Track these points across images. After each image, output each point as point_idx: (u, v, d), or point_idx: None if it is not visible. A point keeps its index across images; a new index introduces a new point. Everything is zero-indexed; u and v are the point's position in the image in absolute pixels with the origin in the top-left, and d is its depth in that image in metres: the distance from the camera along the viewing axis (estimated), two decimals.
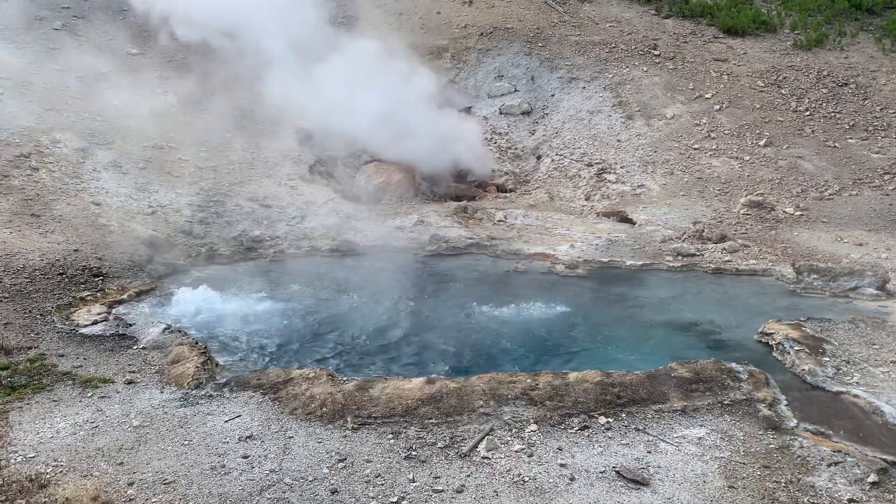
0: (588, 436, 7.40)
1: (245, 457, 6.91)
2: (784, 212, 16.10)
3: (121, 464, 6.76)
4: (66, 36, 20.46)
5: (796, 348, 9.52)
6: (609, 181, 18.09)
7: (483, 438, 7.28)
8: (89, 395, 8.08)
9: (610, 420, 7.67)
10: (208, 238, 14.02)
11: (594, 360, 9.42)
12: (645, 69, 21.41)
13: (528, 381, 8.20)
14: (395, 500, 6.34)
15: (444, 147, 19.41)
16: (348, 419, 7.58)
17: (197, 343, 9.33)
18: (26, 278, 10.89)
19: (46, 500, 6.16)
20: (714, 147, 18.56)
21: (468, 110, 21.72)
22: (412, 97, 19.98)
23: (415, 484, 6.58)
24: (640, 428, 7.56)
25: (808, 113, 19.64)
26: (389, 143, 18.80)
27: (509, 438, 7.33)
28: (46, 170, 14.35)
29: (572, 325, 11.23)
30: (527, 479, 6.69)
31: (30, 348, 9.09)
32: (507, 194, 18.90)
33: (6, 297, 10.32)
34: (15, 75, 17.51)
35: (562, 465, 6.90)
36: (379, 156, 18.98)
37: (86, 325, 9.90)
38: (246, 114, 19.17)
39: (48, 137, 15.30)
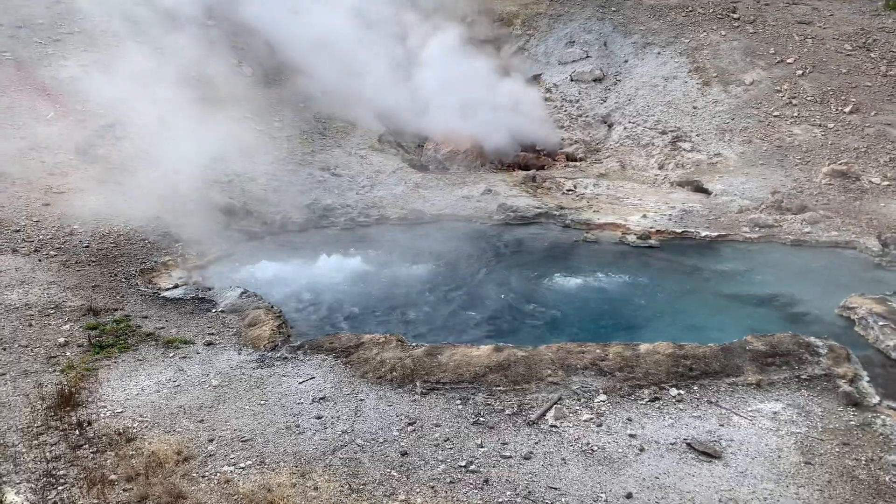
0: (658, 407, 7.29)
1: (318, 417, 7.09)
2: (870, 181, 15.32)
3: (201, 421, 7.04)
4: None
5: (881, 323, 9.11)
6: (684, 150, 17.58)
7: (551, 407, 7.26)
8: (171, 355, 8.42)
9: (681, 392, 7.54)
10: (282, 206, 14.30)
11: (666, 332, 9.25)
12: (723, 33, 20.57)
13: (598, 351, 8.11)
14: (463, 464, 6.41)
15: (512, 115, 19.19)
16: (417, 384, 7.68)
17: (272, 307, 9.59)
18: (112, 243, 11.37)
19: (133, 453, 6.48)
20: (796, 114, 17.76)
21: (537, 78, 21.37)
22: (481, 64, 19.82)
23: (483, 449, 6.63)
24: (713, 401, 7.41)
25: None
26: (458, 112, 18.72)
27: (578, 408, 7.29)
28: (129, 139, 14.87)
29: (643, 297, 11.05)
30: (595, 448, 6.66)
31: (116, 310, 9.52)
32: (577, 163, 18.59)
33: (94, 261, 10.82)
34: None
35: (631, 436, 6.83)
36: (447, 125, 18.92)
37: (167, 289, 10.30)
38: (317, 86, 19.36)
39: (131, 108, 15.81)
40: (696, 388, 7.62)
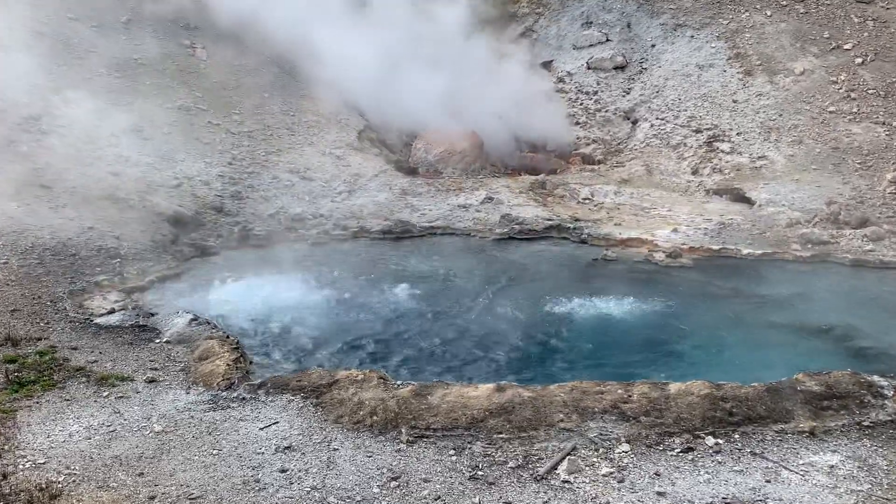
0: (692, 460, 7.27)
1: (283, 471, 7.04)
2: None
3: (141, 474, 6.97)
4: None
5: None
6: (722, 151, 17.68)
7: (563, 459, 7.23)
8: (105, 394, 8.36)
9: (720, 441, 7.51)
10: (241, 216, 14.32)
11: (701, 369, 9.24)
12: (769, 13, 20.76)
13: (620, 391, 8.09)
14: None
15: (517, 109, 19.31)
16: (403, 430, 7.64)
17: (228, 337, 9.55)
18: (35, 259, 11.33)
19: None
20: (855, 110, 17.88)
21: (548, 65, 21.52)
22: (480, 49, 19.98)
23: None
24: (758, 452, 7.39)
25: None
26: (453, 105, 18.82)
27: (596, 460, 7.25)
28: (57, 134, 14.88)
29: (674, 326, 11.05)
30: None
31: (39, 339, 9.46)
32: (595, 166, 18.68)
33: (13, 281, 10.77)
34: (23, 24, 18.16)
35: (659, 494, 6.80)
36: (440, 120, 19.01)
37: (101, 315, 10.25)
38: (286, 70, 19.46)
39: (60, 97, 15.83)
40: (737, 436, 7.60)
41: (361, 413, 7.90)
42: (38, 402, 8.13)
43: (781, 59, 19.54)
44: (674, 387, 8.19)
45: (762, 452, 7.39)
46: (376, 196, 15.75)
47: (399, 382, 8.52)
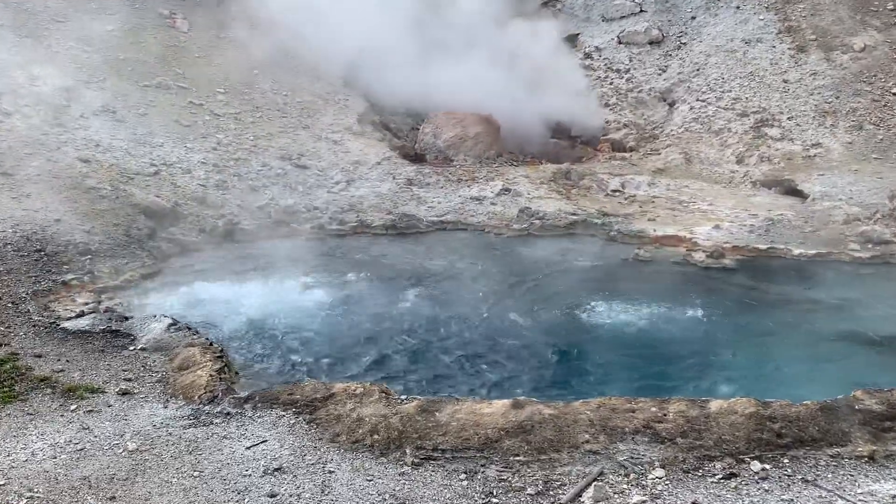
0: (736, 487, 7.24)
1: (272, 496, 7.05)
2: None
3: (112, 498, 6.99)
4: None
5: None
6: (771, 138, 17.62)
7: (589, 485, 7.22)
8: (73, 408, 8.38)
9: (767, 467, 7.49)
10: (227, 208, 14.32)
11: (745, 384, 9.20)
12: None
13: (654, 409, 8.07)
14: None
15: (539, 89, 19.29)
16: (407, 451, 7.63)
17: (211, 344, 9.57)
18: None
19: None
20: None
21: (574, 39, 21.48)
22: (496, 23, 19.95)
23: None
24: (810, 479, 7.36)
25: None
26: (466, 84, 18.82)
27: (626, 486, 7.24)
28: (21, 115, 14.93)
29: (715, 336, 11.01)
30: None
31: None
32: (626, 154, 18.64)
33: None
34: None
35: None
36: (451, 100, 19.01)
37: (69, 318, 10.25)
38: (277, 46, 19.46)
39: (25, 73, 15.90)
40: (786, 461, 7.57)
41: (361, 431, 7.90)
42: None
43: (839, 33, 19.44)
44: (715, 404, 8.16)
45: (815, 480, 7.36)
46: (378, 186, 15.74)
47: (403, 397, 8.51)
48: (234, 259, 12.80)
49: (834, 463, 7.59)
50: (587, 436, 7.76)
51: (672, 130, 18.87)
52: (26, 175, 13.34)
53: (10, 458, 7.51)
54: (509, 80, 19.15)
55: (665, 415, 8.01)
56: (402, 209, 14.93)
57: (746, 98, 18.63)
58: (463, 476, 7.34)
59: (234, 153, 15.98)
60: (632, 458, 7.57)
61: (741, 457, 7.59)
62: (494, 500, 7.04)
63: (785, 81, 18.77)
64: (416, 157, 18.14)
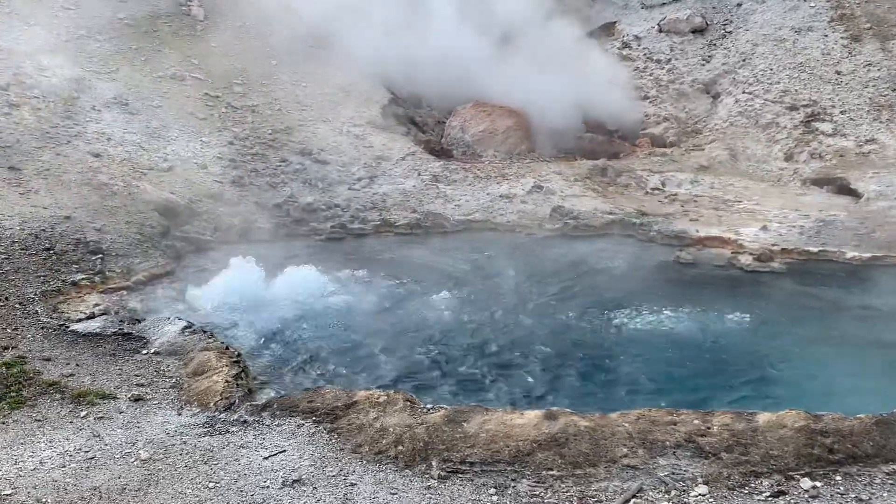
0: None
1: None
2: None
3: None
4: None
5: None
6: (822, 133, 17.49)
7: (627, 502, 7.19)
8: (83, 414, 8.44)
9: (818, 484, 7.42)
10: (243, 205, 14.39)
11: (795, 397, 9.14)
12: None
13: (697, 421, 8.02)
14: None
15: (573, 81, 19.24)
16: (433, 463, 7.63)
17: (228, 348, 9.60)
18: (2, 254, 11.47)
19: None
20: None
21: (611, 27, 21.42)
22: (527, 9, 19.92)
23: None
24: (864, 498, 7.29)
25: None
26: (496, 75, 18.81)
27: (666, 503, 7.21)
28: (29, 107, 15.07)
29: (762, 344, 10.94)
30: None
31: (6, 348, 9.56)
32: (667, 150, 18.56)
33: None
34: None
35: None
36: (480, 92, 19.01)
37: (79, 320, 10.34)
38: (297, 35, 19.53)
39: (33, 63, 16.04)
40: (838, 478, 7.50)
41: (384, 442, 7.91)
42: (3, 423, 8.22)
43: None
44: (762, 417, 8.11)
45: (869, 499, 7.29)
46: (402, 183, 15.76)
47: (429, 406, 8.51)
48: (250, 258, 12.82)
49: (890, 481, 7.51)
50: (625, 449, 7.73)
51: (716, 125, 18.76)
52: (35, 170, 13.46)
53: (18, 466, 7.57)
54: (542, 70, 19.09)
55: (709, 428, 7.96)
56: (427, 207, 14.93)
57: (796, 90, 18.49)
58: (493, 491, 7.32)
59: (251, 148, 16.05)
60: (673, 473, 7.53)
61: (790, 473, 7.54)
62: None
63: (838, 73, 18.62)
64: (443, 153, 18.15)
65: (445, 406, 8.54)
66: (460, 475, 7.53)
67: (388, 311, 11.60)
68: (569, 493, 7.30)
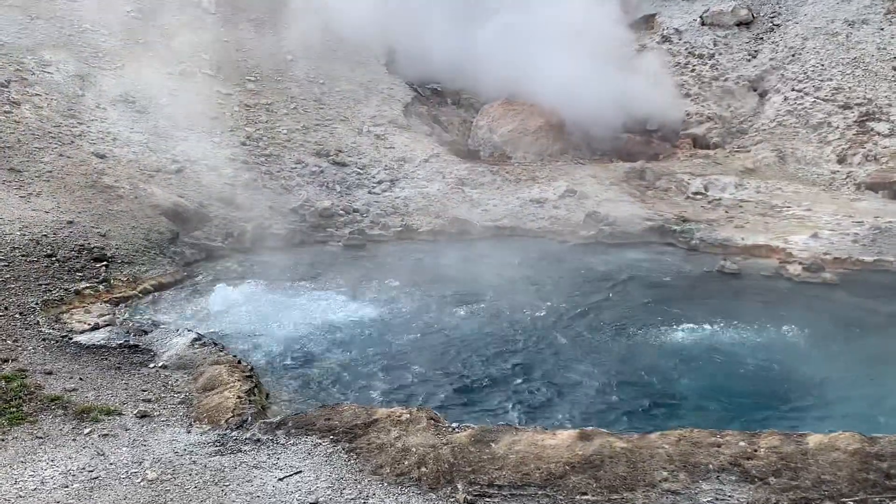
0: None
1: None
2: None
3: None
4: None
5: None
6: (878, 133, 17.38)
7: None
8: (86, 431, 8.48)
9: None
10: (257, 209, 14.45)
11: (848, 417, 9.07)
12: None
13: (742, 443, 7.99)
14: None
15: (609, 77, 19.22)
16: (459, 487, 7.63)
17: (240, 362, 9.63)
18: (1, 261, 11.56)
19: None
20: None
21: (650, 20, 21.40)
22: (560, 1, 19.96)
23: None
24: None
25: None
26: (526, 71, 18.82)
27: None
28: (31, 105, 15.21)
29: (812, 360, 10.86)
30: None
31: (6, 361, 9.62)
32: (710, 151, 18.51)
33: None
34: None
35: None
36: (509, 89, 19.03)
37: (83, 331, 10.40)
38: (314, 28, 19.61)
39: (35, 58, 16.20)
40: None
41: (406, 463, 7.92)
42: (3, 440, 8.27)
43: None
44: (813, 439, 8.07)
45: None
46: (426, 187, 15.79)
47: (454, 425, 8.51)
48: (264, 267, 12.89)
49: None
50: (665, 473, 7.71)
51: (763, 124, 18.70)
52: (36, 171, 13.57)
53: (18, 486, 7.62)
54: (576, 66, 19.07)
55: (756, 450, 7.93)
56: (452, 212, 14.95)
57: (850, 88, 18.40)
58: None
59: (265, 148, 16.13)
60: (717, 499, 7.50)
61: (843, 500, 7.49)
62: None
63: (894, 69, 18.51)
64: (469, 154, 18.19)
65: (472, 425, 8.54)
66: (487, 499, 7.52)
67: (409, 324, 11.59)
68: None
